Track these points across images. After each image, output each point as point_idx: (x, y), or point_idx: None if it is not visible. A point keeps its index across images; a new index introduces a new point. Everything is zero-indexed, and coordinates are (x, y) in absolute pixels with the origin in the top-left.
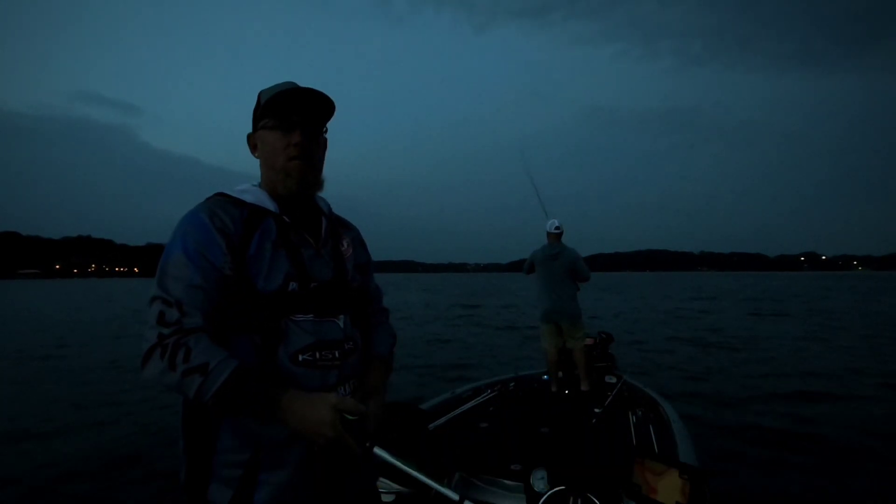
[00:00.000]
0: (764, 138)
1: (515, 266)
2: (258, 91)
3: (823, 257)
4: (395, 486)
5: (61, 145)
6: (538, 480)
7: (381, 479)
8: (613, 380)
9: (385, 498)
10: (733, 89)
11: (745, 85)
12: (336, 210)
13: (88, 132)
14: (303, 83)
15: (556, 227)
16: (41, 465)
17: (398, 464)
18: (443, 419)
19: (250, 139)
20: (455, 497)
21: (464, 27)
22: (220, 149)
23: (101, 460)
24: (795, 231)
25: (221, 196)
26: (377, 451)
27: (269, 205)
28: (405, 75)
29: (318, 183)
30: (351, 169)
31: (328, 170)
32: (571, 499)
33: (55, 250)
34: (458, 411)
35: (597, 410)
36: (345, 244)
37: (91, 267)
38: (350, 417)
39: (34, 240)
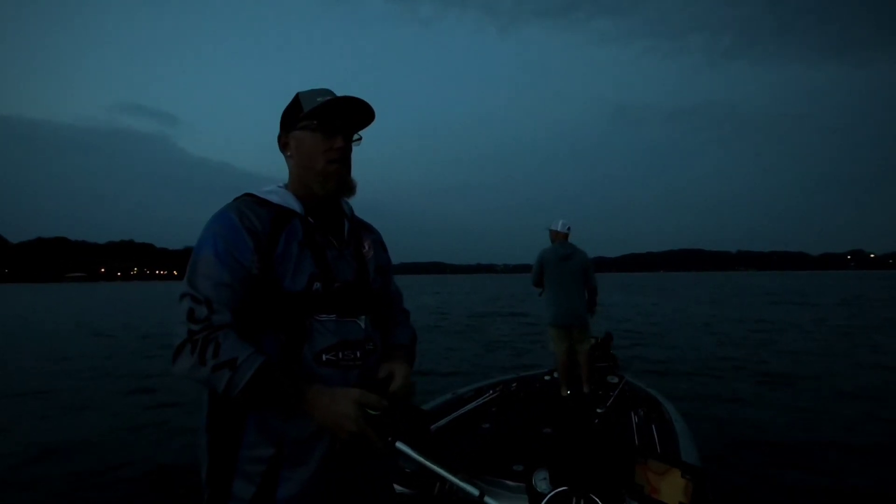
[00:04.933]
0: (803, 132)
1: None
2: (292, 94)
3: (872, 255)
4: (398, 488)
5: (106, 154)
6: (540, 481)
7: None
8: (615, 380)
9: None
10: (769, 82)
11: (781, 77)
12: (366, 212)
13: (130, 141)
14: (333, 87)
15: (564, 225)
16: None
17: (420, 458)
18: (445, 420)
19: (281, 138)
20: (475, 492)
21: (488, 29)
22: (252, 155)
23: None
24: (839, 228)
25: (249, 196)
26: (399, 445)
27: (295, 206)
28: (432, 77)
29: (352, 187)
30: (380, 171)
31: (359, 172)
32: (574, 499)
33: (100, 254)
34: (460, 412)
35: (599, 410)
36: (366, 246)
37: (133, 270)
38: (373, 412)
39: (81, 245)
